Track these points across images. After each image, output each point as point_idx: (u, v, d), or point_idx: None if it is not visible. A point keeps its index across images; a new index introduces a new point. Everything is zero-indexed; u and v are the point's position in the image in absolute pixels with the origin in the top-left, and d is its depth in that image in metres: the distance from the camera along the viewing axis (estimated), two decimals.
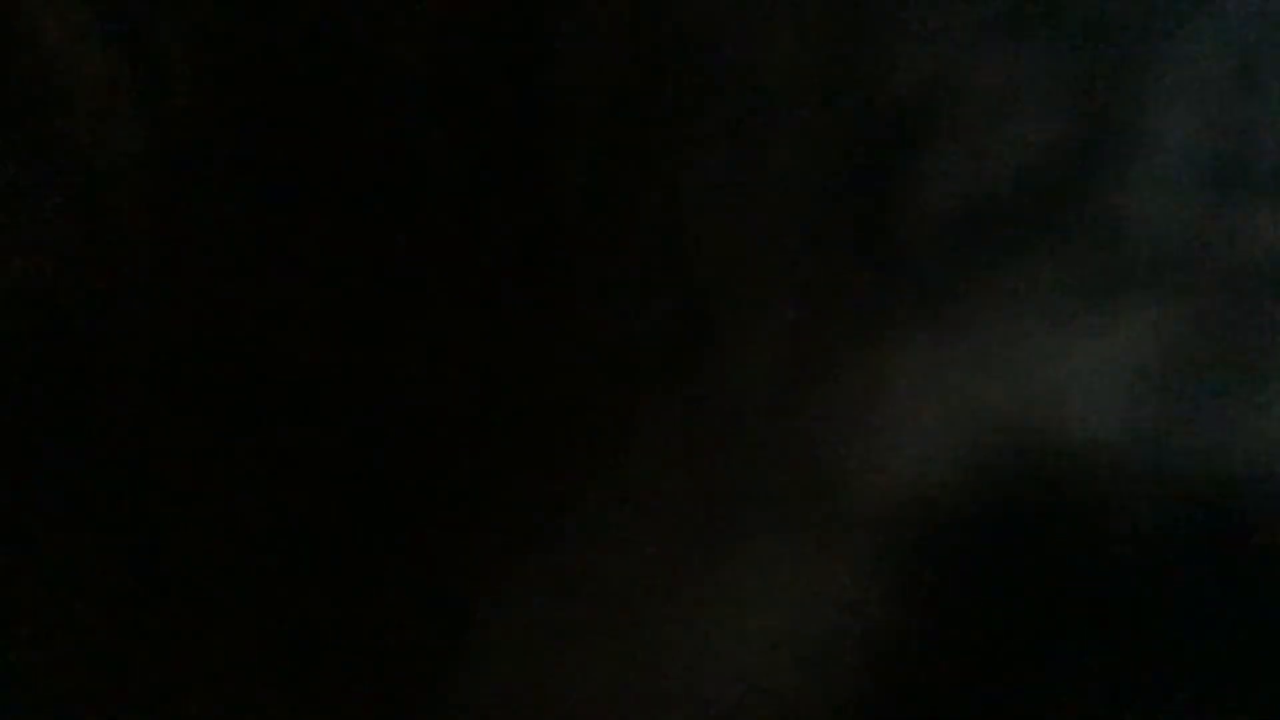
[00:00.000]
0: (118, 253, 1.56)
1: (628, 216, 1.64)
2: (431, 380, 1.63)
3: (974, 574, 1.53)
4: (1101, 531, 1.51)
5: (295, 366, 1.60)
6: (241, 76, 1.60)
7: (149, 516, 1.56)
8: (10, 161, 1.53)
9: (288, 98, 1.62)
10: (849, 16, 1.64)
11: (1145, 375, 1.54)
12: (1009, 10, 1.62)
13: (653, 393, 1.64)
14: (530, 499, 1.64)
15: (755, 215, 1.64)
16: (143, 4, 1.55)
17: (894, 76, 1.62)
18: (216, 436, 1.58)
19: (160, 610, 1.55)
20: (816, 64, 1.63)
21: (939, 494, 1.52)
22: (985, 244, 1.61)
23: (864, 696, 1.57)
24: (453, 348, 1.64)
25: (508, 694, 1.61)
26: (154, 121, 1.57)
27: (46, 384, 1.54)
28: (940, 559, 1.53)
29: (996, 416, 1.54)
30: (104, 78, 1.56)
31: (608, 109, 1.65)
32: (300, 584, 1.58)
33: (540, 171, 1.65)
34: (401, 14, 1.62)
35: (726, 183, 1.63)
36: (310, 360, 1.60)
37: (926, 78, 1.65)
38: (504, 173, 1.65)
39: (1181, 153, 1.57)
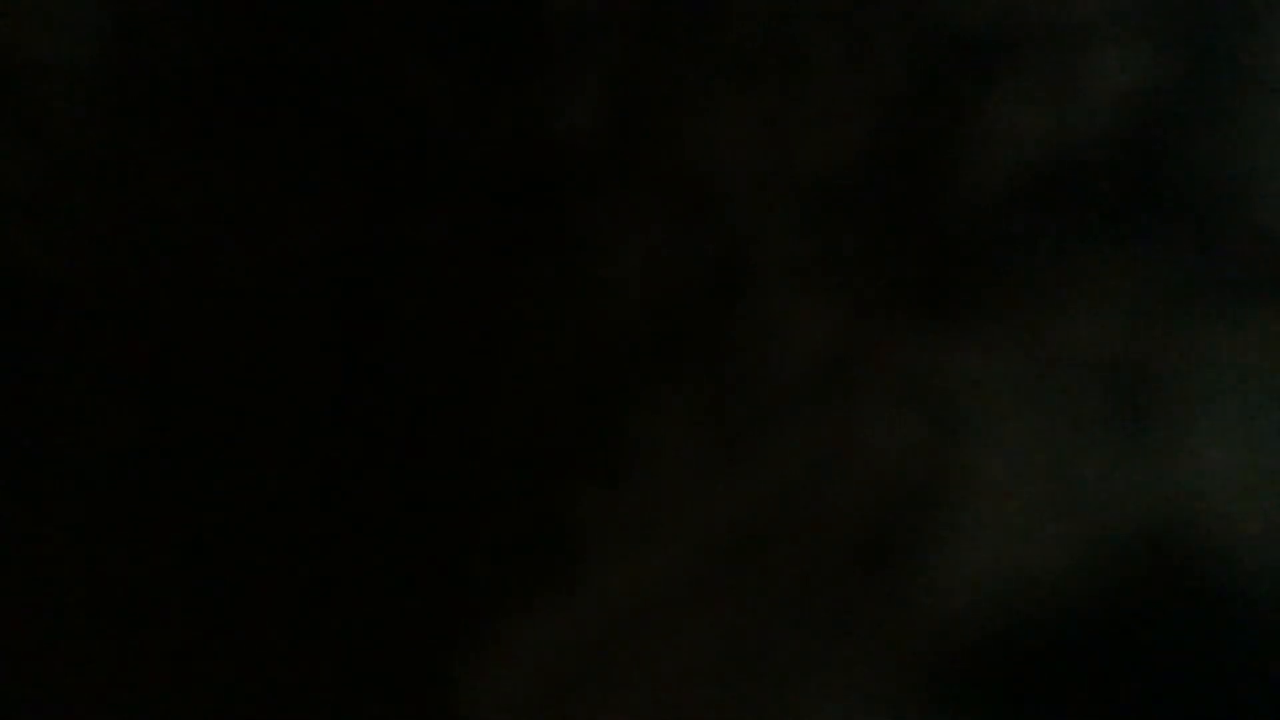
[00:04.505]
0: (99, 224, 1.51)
1: (649, 160, 1.50)
2: (421, 369, 1.51)
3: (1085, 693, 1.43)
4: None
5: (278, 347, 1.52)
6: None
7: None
8: None
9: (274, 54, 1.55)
10: None
11: None
12: None
13: (677, 389, 1.51)
14: (521, 536, 1.52)
15: (796, 158, 1.49)
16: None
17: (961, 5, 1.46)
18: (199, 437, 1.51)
19: (146, 675, 1.50)
20: None
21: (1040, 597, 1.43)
22: (1071, 215, 1.44)
23: None
24: (440, 328, 1.52)
25: None
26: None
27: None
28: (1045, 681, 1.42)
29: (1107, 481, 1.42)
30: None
31: (630, 33, 1.52)
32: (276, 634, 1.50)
33: (550, 105, 1.52)
34: None
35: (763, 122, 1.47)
36: (297, 346, 1.51)
37: (998, 6, 1.47)
38: (508, 103, 1.53)
39: None
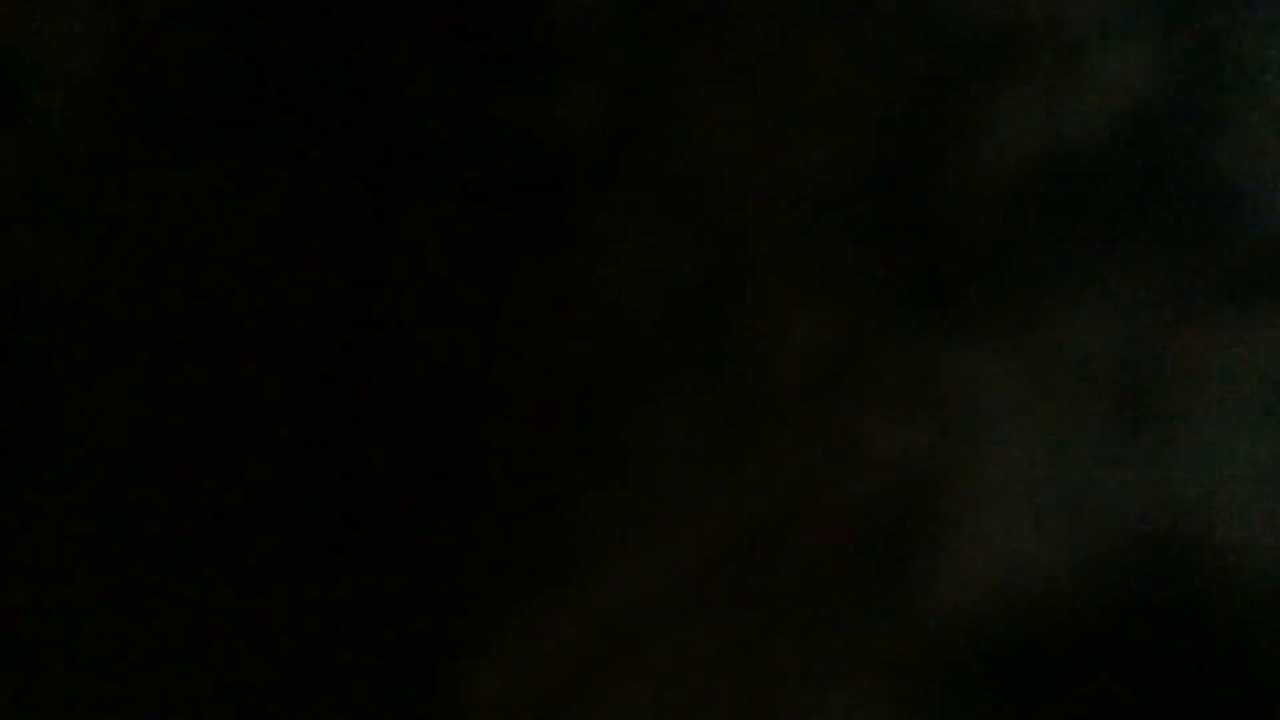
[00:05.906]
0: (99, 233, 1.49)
1: (652, 162, 1.50)
2: (419, 374, 1.51)
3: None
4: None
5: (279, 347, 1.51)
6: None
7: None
8: None
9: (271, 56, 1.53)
10: None
11: None
12: None
13: (678, 390, 1.50)
14: (522, 536, 1.51)
15: (796, 160, 1.48)
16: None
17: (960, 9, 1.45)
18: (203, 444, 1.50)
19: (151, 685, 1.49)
20: None
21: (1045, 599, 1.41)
22: (1077, 218, 1.44)
23: None
24: (440, 331, 1.51)
25: None
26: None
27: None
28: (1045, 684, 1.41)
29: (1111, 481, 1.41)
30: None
31: (630, 34, 1.51)
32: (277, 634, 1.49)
33: (551, 107, 1.51)
34: None
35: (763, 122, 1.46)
36: (296, 345, 1.50)
37: (997, 10, 1.46)
38: (508, 104, 1.52)
39: None
